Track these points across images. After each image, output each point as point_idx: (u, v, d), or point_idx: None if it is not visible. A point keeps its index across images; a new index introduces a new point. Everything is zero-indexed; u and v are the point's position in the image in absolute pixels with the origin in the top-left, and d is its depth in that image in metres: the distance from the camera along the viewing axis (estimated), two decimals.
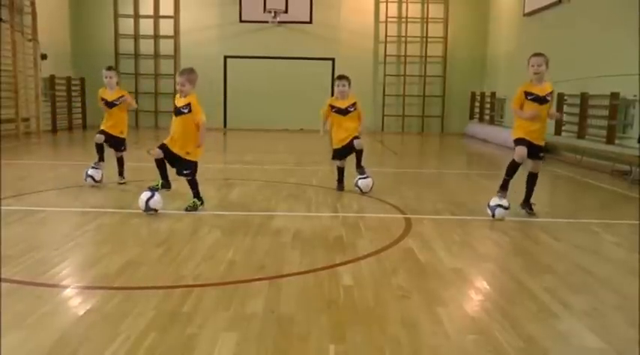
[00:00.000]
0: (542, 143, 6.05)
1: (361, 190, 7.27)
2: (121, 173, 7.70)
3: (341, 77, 7.31)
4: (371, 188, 7.29)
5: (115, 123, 7.55)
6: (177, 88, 5.96)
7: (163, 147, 5.97)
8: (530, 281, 4.00)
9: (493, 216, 5.93)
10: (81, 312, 3.30)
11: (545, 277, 4.12)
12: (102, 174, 7.47)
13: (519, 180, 6.16)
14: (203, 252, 4.56)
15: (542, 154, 6.08)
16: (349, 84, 7.23)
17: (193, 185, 6.07)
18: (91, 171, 7.39)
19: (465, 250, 4.93)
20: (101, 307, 3.38)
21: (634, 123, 10.28)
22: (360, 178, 7.32)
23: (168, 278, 3.94)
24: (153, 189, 5.84)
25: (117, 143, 7.62)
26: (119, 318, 3.19)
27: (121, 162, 7.69)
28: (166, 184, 6.00)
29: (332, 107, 7.28)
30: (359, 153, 7.28)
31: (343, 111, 7.21)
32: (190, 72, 5.95)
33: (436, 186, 8.50)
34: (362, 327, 3.17)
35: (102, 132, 7.56)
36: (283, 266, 4.25)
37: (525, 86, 5.97)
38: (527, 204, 6.23)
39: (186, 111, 5.88)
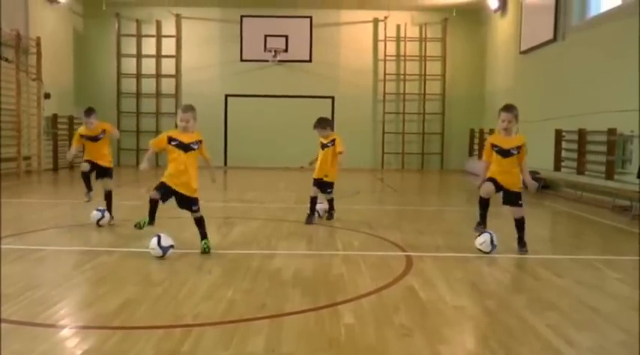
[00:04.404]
0: (516, 189, 6.06)
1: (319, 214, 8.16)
2: (109, 209, 7.42)
3: (320, 123, 8.04)
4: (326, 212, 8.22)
5: (100, 154, 7.48)
6: (182, 124, 5.73)
7: (162, 188, 5.72)
8: (533, 319, 3.96)
9: (479, 234, 6.06)
10: (78, 353, 3.25)
11: (548, 314, 4.08)
12: (103, 216, 7.26)
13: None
14: (203, 291, 4.52)
15: (520, 202, 6.07)
16: (330, 127, 8.09)
17: (202, 223, 5.93)
18: (102, 221, 7.21)
19: (467, 287, 4.89)
20: (99, 347, 3.33)
21: (632, 159, 10.31)
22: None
23: (168, 318, 3.89)
24: (140, 227, 5.82)
25: (105, 171, 7.51)
26: None
27: (109, 198, 7.48)
28: (152, 223, 5.88)
29: (321, 142, 8.12)
30: (330, 202, 8.23)
31: (322, 146, 8.07)
32: (194, 109, 5.85)
33: (436, 223, 8.48)
34: None
35: (88, 160, 7.47)
36: (284, 305, 4.21)
37: (493, 138, 6.23)
38: (520, 244, 6.20)
39: (196, 147, 5.78)
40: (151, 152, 6.06)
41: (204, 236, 5.94)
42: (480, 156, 18.72)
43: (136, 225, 5.90)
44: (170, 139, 5.76)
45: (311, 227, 7.67)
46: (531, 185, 6.25)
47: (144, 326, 3.71)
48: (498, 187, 6.06)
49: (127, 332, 3.59)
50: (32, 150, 15.89)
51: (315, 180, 8.01)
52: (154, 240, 5.61)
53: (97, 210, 7.27)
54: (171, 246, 5.60)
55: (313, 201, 8.01)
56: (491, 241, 5.97)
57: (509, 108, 6.04)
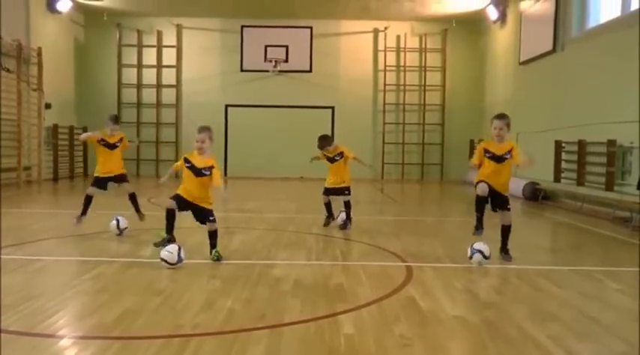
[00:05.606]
0: (506, 193, 6.26)
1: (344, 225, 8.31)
2: (137, 209, 7.77)
3: (325, 141, 8.38)
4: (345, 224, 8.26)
5: (115, 162, 7.64)
6: (197, 144, 5.92)
7: (178, 198, 5.87)
8: (533, 329, 3.95)
9: (470, 258, 6.02)
10: None
11: (549, 325, 4.07)
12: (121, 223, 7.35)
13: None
14: (202, 301, 4.51)
15: (509, 206, 6.25)
16: (332, 141, 8.46)
17: (215, 235, 5.99)
18: (122, 224, 7.29)
19: (467, 298, 4.88)
20: None
21: (632, 170, 10.32)
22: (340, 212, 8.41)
23: (167, 328, 3.88)
24: (160, 244, 5.75)
25: (121, 178, 7.72)
26: None
27: (133, 199, 7.74)
28: (171, 239, 5.86)
29: (324, 155, 8.45)
30: (347, 206, 8.30)
31: (331, 160, 8.39)
32: (210, 129, 6.05)
33: (437, 233, 8.48)
34: None
35: (99, 180, 7.56)
36: (284, 315, 4.20)
37: (486, 143, 6.33)
38: (504, 250, 6.37)
39: (207, 173, 5.88)
40: (171, 171, 6.36)
41: (214, 246, 6.00)
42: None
43: (155, 245, 5.85)
44: (185, 160, 5.99)
45: (311, 237, 7.67)
46: (531, 160, 6.38)
47: (143, 337, 3.70)
48: (490, 190, 6.18)
49: (125, 343, 3.58)
50: (33, 160, 15.89)
51: (326, 188, 8.38)
52: (176, 246, 5.63)
53: (115, 219, 7.35)
54: (182, 261, 5.62)
55: (328, 206, 8.41)
56: (484, 256, 5.99)
57: (501, 116, 6.24)
